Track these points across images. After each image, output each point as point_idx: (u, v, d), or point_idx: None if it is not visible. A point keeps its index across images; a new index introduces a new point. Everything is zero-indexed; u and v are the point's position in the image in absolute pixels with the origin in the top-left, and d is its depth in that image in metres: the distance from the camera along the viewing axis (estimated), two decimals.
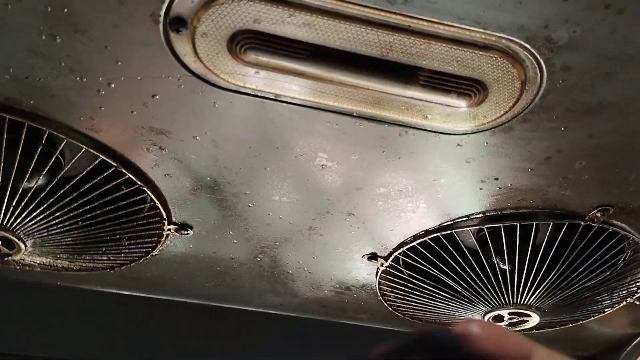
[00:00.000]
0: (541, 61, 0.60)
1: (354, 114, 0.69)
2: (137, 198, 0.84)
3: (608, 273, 0.93)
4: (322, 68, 0.62)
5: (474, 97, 0.64)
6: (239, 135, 0.74)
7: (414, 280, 0.99)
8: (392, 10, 0.56)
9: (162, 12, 0.58)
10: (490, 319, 1.01)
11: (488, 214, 0.85)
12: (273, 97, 0.67)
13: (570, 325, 1.13)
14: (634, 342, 1.22)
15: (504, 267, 0.93)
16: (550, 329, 1.15)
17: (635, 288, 1.00)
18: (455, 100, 0.64)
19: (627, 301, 1.05)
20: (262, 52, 0.60)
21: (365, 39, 0.59)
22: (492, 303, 0.98)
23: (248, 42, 0.60)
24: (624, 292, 1.01)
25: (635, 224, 0.84)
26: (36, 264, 0.95)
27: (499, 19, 0.56)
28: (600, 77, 0.61)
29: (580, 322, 1.13)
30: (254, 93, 0.67)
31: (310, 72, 0.62)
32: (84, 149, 0.75)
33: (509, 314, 0.99)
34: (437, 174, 0.77)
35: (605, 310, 1.06)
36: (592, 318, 1.08)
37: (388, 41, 0.59)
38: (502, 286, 0.95)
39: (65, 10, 0.59)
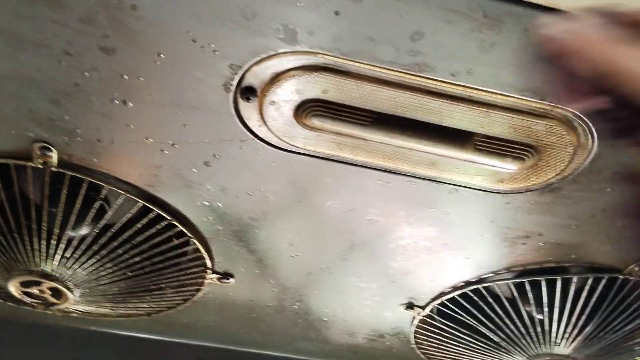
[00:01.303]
0: (593, 129, 0.63)
1: (408, 174, 0.72)
2: (185, 249, 0.86)
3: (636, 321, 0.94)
4: (383, 134, 0.64)
5: (527, 160, 0.67)
6: (291, 191, 0.76)
7: (450, 330, 1.00)
8: (455, 82, 0.59)
9: (235, 83, 0.61)
10: None
11: (529, 267, 0.87)
12: (329, 157, 0.70)
13: None
14: None
15: (541, 317, 0.94)
16: None
17: None
18: (509, 164, 0.67)
19: None
20: (327, 118, 0.63)
21: (427, 107, 0.62)
22: (530, 353, 0.99)
23: (314, 110, 0.62)
24: None
25: None
26: (79, 312, 0.96)
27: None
28: None
29: None
30: (313, 154, 0.69)
31: (371, 137, 0.65)
32: (141, 205, 0.77)
33: None
34: (483, 229, 0.79)
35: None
36: None
37: (449, 109, 0.62)
38: (540, 336, 0.96)
39: (142, 78, 0.61)
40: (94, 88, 0.63)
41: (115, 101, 0.64)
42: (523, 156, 0.66)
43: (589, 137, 0.64)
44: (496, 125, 0.63)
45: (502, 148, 0.65)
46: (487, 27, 0.53)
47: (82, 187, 0.75)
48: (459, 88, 0.60)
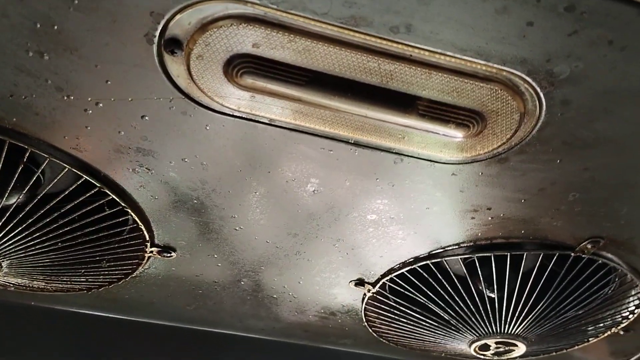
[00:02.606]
0: (541, 94, 0.60)
1: (351, 141, 0.68)
2: (120, 220, 0.81)
3: (595, 304, 0.93)
4: (321, 95, 0.60)
5: (472, 127, 0.63)
6: (229, 158, 0.72)
7: (400, 307, 0.97)
8: (394, 39, 0.55)
9: (157, 33, 0.56)
10: (477, 348, 1.00)
11: (479, 242, 0.84)
12: (267, 122, 0.66)
13: (555, 353, 1.12)
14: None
15: (492, 296, 0.92)
16: (533, 357, 1.14)
17: (620, 318, 1.00)
18: (454, 130, 0.63)
19: (612, 331, 1.05)
20: (260, 76, 0.59)
21: (366, 66, 0.58)
22: (479, 332, 0.97)
23: (245, 66, 0.58)
24: (609, 322, 1.01)
25: (625, 256, 0.84)
26: (11, 285, 0.91)
27: (501, 52, 0.55)
28: (598, 113, 0.61)
29: (565, 351, 1.12)
30: (248, 117, 0.65)
31: (308, 98, 0.61)
32: (66, 169, 0.72)
33: (496, 343, 0.98)
34: (430, 202, 0.76)
35: (590, 339, 1.06)
36: (577, 347, 1.08)
37: (389, 70, 0.58)
38: (490, 315, 0.94)
39: (55, 27, 0.56)
40: (6, 37, 0.57)
41: (30, 52, 0.59)
42: (468, 123, 0.63)
43: (537, 103, 0.61)
44: (439, 88, 0.59)
45: (446, 114, 0.62)
46: None
47: (2, 150, 0.69)
48: (399, 46, 0.56)
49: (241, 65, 0.58)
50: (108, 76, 0.61)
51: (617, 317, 0.99)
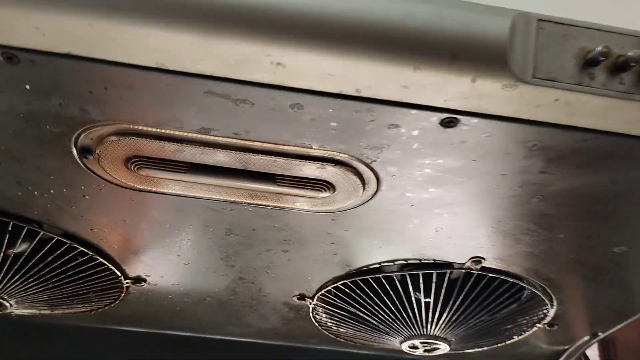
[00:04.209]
0: (371, 165, 0.75)
1: (243, 203, 0.86)
2: (94, 263, 1.03)
3: (502, 312, 1.07)
4: (200, 177, 0.78)
5: (326, 191, 0.80)
6: (155, 218, 0.92)
7: (337, 315, 1.15)
8: (239, 138, 0.72)
9: (72, 146, 0.76)
10: (407, 347, 1.17)
11: (371, 266, 1.00)
12: (179, 194, 0.85)
13: (496, 346, 1.27)
14: (562, 357, 1.35)
15: (421, 299, 1.08)
16: (487, 348, 1.29)
17: (537, 319, 1.14)
18: (312, 193, 0.80)
19: (537, 327, 1.18)
20: (151, 169, 0.78)
21: (227, 157, 0.75)
22: (405, 335, 1.13)
23: (138, 162, 0.77)
24: (529, 322, 1.14)
25: (508, 269, 0.98)
26: (25, 314, 1.16)
27: (322, 144, 0.72)
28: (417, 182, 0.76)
29: (497, 346, 1.26)
30: (160, 191, 0.84)
31: (192, 180, 0.79)
32: (55, 239, 0.95)
33: (421, 343, 1.14)
34: (326, 239, 0.93)
35: (515, 337, 1.20)
36: (506, 343, 1.22)
37: (244, 159, 0.75)
38: (412, 320, 1.10)
39: (2, 147, 0.77)
40: None
41: None
42: (319, 188, 0.79)
43: (371, 173, 0.76)
44: (285, 167, 0.76)
45: (299, 184, 0.79)
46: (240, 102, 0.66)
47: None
48: (245, 142, 0.73)
49: (136, 162, 0.77)
50: (51, 173, 0.81)
51: (534, 317, 1.13)
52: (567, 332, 1.22)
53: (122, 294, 1.16)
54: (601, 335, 1.22)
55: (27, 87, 0.66)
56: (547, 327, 1.19)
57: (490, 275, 0.99)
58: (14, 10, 0.57)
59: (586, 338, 1.24)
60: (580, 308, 1.10)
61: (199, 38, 0.57)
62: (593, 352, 1.80)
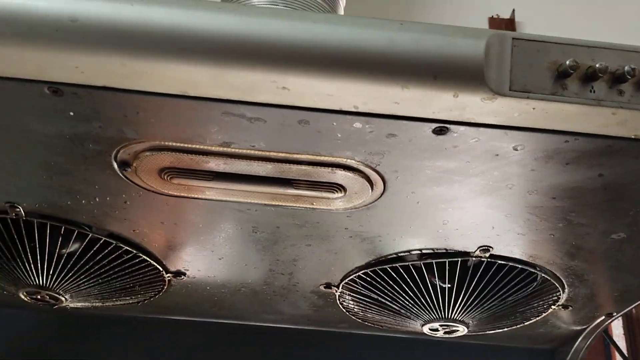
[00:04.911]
0: (376, 169, 0.83)
1: (265, 204, 0.95)
2: (137, 260, 1.15)
3: (515, 295, 1.14)
4: (225, 184, 0.88)
5: (338, 192, 0.88)
6: (188, 219, 1.02)
7: (363, 301, 1.24)
8: (256, 149, 0.81)
9: (113, 160, 0.86)
10: (428, 329, 1.25)
11: (400, 254, 1.08)
12: (208, 199, 0.95)
13: (514, 327, 1.33)
14: (581, 336, 1.40)
15: (441, 285, 1.16)
16: (506, 329, 1.36)
17: (551, 301, 1.20)
18: (325, 194, 0.89)
19: (552, 309, 1.25)
20: (182, 178, 0.88)
21: (248, 166, 0.85)
22: (425, 318, 1.21)
23: (171, 173, 0.87)
24: (543, 304, 1.21)
25: (515, 256, 1.05)
26: (79, 306, 1.29)
27: (331, 153, 0.80)
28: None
29: (523, 324, 1.33)
30: (191, 197, 0.94)
31: (218, 186, 0.89)
32: (102, 239, 1.07)
33: (441, 326, 1.22)
34: (344, 233, 1.02)
35: (532, 318, 1.26)
36: (522, 325, 1.29)
37: (262, 167, 0.84)
38: (431, 305, 1.18)
39: (52, 164, 0.89)
40: (36, 172, 0.91)
41: (54, 177, 0.92)
42: (332, 190, 0.88)
43: (377, 175, 0.84)
44: (299, 173, 0.85)
45: (313, 186, 0.87)
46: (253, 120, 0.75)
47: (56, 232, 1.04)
48: (262, 153, 0.82)
49: (168, 172, 0.87)
50: (96, 183, 0.93)
51: (549, 301, 1.19)
52: (582, 313, 1.27)
53: (165, 287, 1.27)
54: (616, 316, 1.27)
55: (71, 113, 0.76)
56: (562, 309, 1.25)
57: (499, 262, 1.06)
58: (58, 53, 0.67)
59: (602, 318, 1.29)
60: (592, 290, 1.16)
61: (214, 70, 0.66)
62: (618, 331, 1.84)
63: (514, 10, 2.02)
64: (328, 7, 1.24)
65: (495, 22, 2.03)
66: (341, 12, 1.31)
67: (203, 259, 1.16)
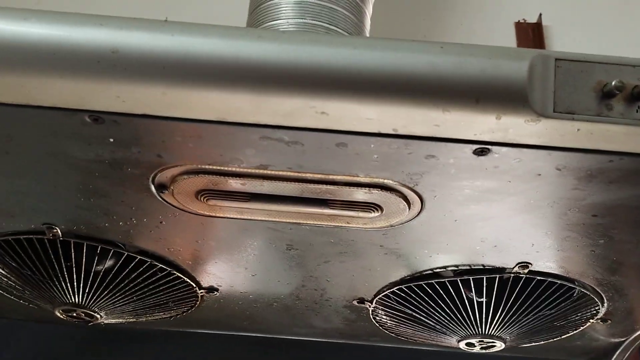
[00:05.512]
0: (414, 189, 0.83)
1: (301, 223, 0.95)
2: (172, 277, 1.16)
3: (554, 310, 1.12)
4: (261, 205, 0.88)
5: (375, 212, 0.88)
6: (223, 238, 1.02)
7: (396, 316, 1.23)
8: (292, 171, 0.81)
9: (150, 183, 0.87)
10: (464, 344, 1.23)
11: (436, 270, 1.07)
12: (243, 218, 0.95)
13: (551, 341, 1.31)
14: (620, 349, 1.38)
15: (478, 300, 1.14)
16: (543, 342, 1.34)
17: (589, 315, 1.18)
18: (361, 214, 0.88)
19: (590, 322, 1.22)
20: (218, 200, 0.88)
21: (284, 187, 0.85)
22: (461, 334, 1.20)
23: (207, 195, 0.87)
24: (581, 318, 1.18)
25: (555, 272, 1.03)
26: (113, 323, 1.30)
27: (368, 174, 0.80)
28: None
29: (560, 338, 1.31)
30: (227, 217, 0.95)
31: (254, 207, 0.89)
32: (125, 253, 1.07)
33: (478, 342, 1.21)
34: (379, 251, 1.01)
35: (570, 332, 1.24)
36: (561, 337, 1.27)
37: (298, 188, 0.84)
38: (468, 321, 1.16)
39: (91, 187, 0.89)
40: (70, 190, 0.92)
41: (91, 199, 0.93)
42: (369, 210, 0.87)
43: (414, 194, 0.84)
44: (337, 193, 0.85)
45: (350, 206, 0.87)
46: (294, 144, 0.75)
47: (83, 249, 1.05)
48: (297, 174, 0.82)
49: (204, 194, 0.88)
50: (133, 205, 0.93)
51: (586, 314, 1.17)
52: (621, 326, 1.25)
53: (198, 302, 1.28)
54: None
55: (111, 140, 0.77)
56: (600, 322, 1.23)
57: (539, 278, 1.04)
58: (99, 83, 0.67)
59: None
60: (631, 304, 1.14)
61: (253, 98, 0.66)
62: None
63: (540, 15, 1.98)
64: (355, 19, 1.23)
65: (522, 27, 2.00)
66: (368, 21, 1.31)
67: (236, 275, 1.17)
